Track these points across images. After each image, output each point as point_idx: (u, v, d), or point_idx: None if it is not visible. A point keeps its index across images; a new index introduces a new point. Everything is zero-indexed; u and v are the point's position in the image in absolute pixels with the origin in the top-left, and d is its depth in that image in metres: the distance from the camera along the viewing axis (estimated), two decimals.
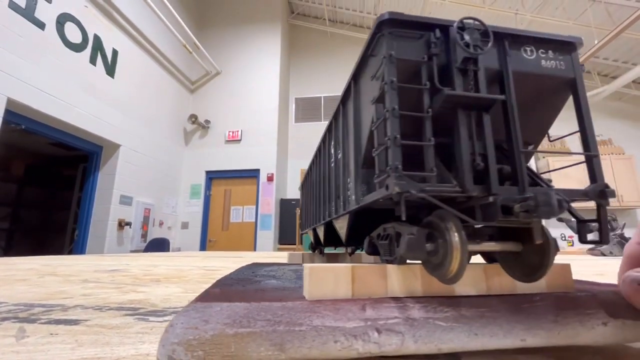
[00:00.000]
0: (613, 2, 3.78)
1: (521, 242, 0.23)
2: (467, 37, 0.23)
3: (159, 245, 4.75)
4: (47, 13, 2.76)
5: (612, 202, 4.38)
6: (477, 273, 0.24)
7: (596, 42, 3.23)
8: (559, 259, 1.49)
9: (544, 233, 0.22)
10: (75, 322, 0.32)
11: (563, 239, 4.26)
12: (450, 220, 0.21)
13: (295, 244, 4.85)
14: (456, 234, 0.20)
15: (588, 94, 4.03)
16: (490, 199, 0.21)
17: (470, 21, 0.24)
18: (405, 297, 0.22)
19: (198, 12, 5.67)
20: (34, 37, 2.64)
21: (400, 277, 0.23)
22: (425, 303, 0.21)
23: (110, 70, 3.53)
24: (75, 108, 3.04)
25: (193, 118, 5.20)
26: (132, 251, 4.78)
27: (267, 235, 5.39)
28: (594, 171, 0.24)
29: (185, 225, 5.77)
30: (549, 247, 0.22)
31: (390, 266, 0.23)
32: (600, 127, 4.98)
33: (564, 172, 4.69)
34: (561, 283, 0.25)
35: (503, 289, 0.24)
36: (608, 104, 5.13)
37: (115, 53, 3.62)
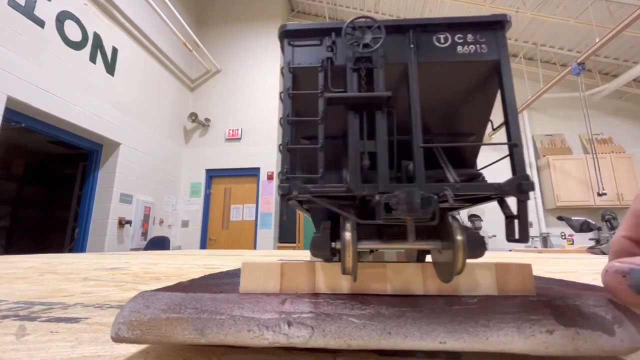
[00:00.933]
0: (614, 0, 3.77)
1: (440, 241, 0.23)
2: (358, 36, 0.23)
3: (159, 243, 4.76)
4: (46, 11, 2.75)
5: (612, 201, 4.38)
6: (414, 272, 0.23)
7: (597, 40, 3.22)
8: (558, 257, 1.49)
9: (446, 232, 0.21)
10: (75, 320, 0.32)
11: (563, 237, 4.27)
12: (346, 219, 0.21)
13: (295, 242, 4.84)
14: (347, 232, 0.21)
15: (588, 92, 4.02)
16: (377, 197, 0.21)
17: (362, 20, 0.23)
18: (330, 293, 0.23)
19: (198, 10, 5.65)
20: (33, 35, 2.63)
21: (326, 275, 0.23)
22: (346, 300, 0.21)
23: (110, 68, 3.53)
24: (75, 106, 3.04)
25: (193, 116, 5.20)
26: (132, 249, 4.78)
27: (267, 234, 5.39)
28: (514, 162, 0.22)
29: (185, 224, 5.78)
30: (455, 247, 0.20)
31: (319, 263, 0.24)
32: (601, 126, 4.97)
33: (565, 171, 4.69)
34: (517, 286, 0.22)
35: (443, 290, 0.23)
36: (609, 103, 5.12)
37: (115, 51, 3.61)
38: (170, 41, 4.66)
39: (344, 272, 0.21)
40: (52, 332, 0.28)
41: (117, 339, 0.21)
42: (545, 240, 4.46)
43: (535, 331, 0.19)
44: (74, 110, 3.01)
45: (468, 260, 0.21)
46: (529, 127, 5.28)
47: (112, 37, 3.58)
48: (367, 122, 0.23)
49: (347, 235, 0.21)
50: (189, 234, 5.65)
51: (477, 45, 0.24)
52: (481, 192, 0.22)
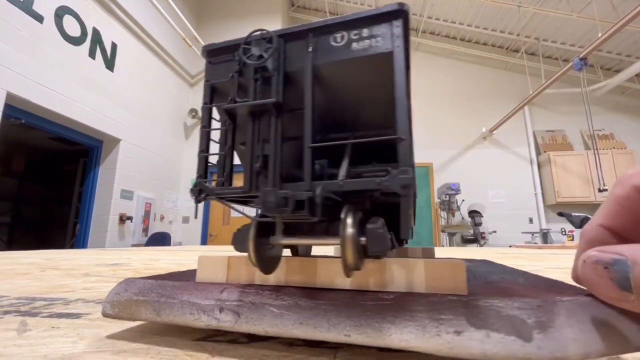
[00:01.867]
0: None
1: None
2: (253, 49, 0.24)
3: (160, 239, 4.77)
4: (45, 6, 2.73)
5: None
6: (339, 267, 0.23)
7: (600, 35, 3.19)
8: (557, 253, 1.49)
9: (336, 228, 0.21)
10: (77, 316, 0.32)
11: (563, 233, 4.27)
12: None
13: None
14: (252, 229, 0.22)
15: (590, 88, 3.99)
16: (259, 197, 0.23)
17: (258, 33, 0.25)
18: (265, 285, 0.25)
19: (197, 5, 5.61)
20: (32, 30, 2.62)
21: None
22: (273, 291, 0.23)
23: (110, 63, 3.51)
24: (75, 102, 3.03)
25: (193, 112, 5.18)
26: (133, 245, 4.80)
27: None
28: (399, 157, 0.21)
29: (186, 220, 5.80)
30: (343, 242, 0.20)
31: None
32: (602, 122, 4.95)
33: (565, 167, 4.69)
34: (447, 284, 0.21)
35: (364, 286, 0.23)
36: (610, 98, 5.10)
37: (114, 46, 3.59)
38: (169, 36, 4.64)
39: (252, 263, 0.23)
40: (53, 327, 0.28)
41: (105, 314, 0.26)
42: (545, 236, 4.46)
43: (441, 331, 0.18)
44: (73, 106, 3.01)
45: (407, 257, 0.21)
46: (530, 123, 5.26)
47: (112, 32, 3.56)
48: (259, 128, 0.24)
49: (251, 231, 0.23)
50: (190, 230, 5.67)
51: (372, 40, 0.23)
52: (364, 188, 0.21)
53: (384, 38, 0.23)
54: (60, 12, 2.87)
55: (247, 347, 0.23)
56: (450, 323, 0.18)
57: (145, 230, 5.11)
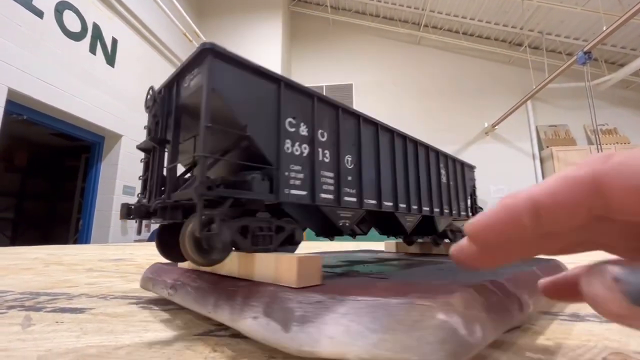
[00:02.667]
0: None
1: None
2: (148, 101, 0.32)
3: None
4: (45, 1, 2.72)
5: None
6: (235, 260, 0.28)
7: (604, 28, 3.15)
8: None
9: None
10: (80, 311, 0.32)
11: None
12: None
13: None
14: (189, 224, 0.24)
15: (594, 82, 3.92)
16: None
17: (150, 91, 0.32)
18: (201, 270, 0.31)
19: (198, 0, 5.58)
20: (32, 26, 2.61)
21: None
22: (201, 276, 0.29)
23: (110, 59, 3.50)
24: (76, 98, 3.03)
25: None
26: (136, 241, 4.82)
27: None
28: (200, 171, 0.23)
29: None
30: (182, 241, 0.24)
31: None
32: (606, 116, 4.91)
33: (568, 162, 4.66)
34: (308, 276, 0.23)
35: (248, 276, 0.26)
36: (614, 93, 5.05)
37: (114, 42, 3.58)
38: (170, 32, 4.61)
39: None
40: (57, 322, 0.28)
41: (141, 286, 0.38)
42: None
43: (246, 315, 0.21)
44: (74, 102, 3.00)
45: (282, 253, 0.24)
46: (533, 118, 5.22)
47: (112, 27, 3.54)
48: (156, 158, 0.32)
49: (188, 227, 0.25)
50: None
51: (198, 77, 0.26)
52: (184, 198, 0.25)
53: (202, 74, 0.25)
54: (60, 8, 2.85)
55: (249, 344, 0.23)
56: (255, 309, 0.21)
57: (148, 225, 5.12)
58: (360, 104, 5.24)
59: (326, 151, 0.28)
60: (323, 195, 0.28)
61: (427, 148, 0.43)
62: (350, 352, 0.16)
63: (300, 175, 0.26)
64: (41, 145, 5.32)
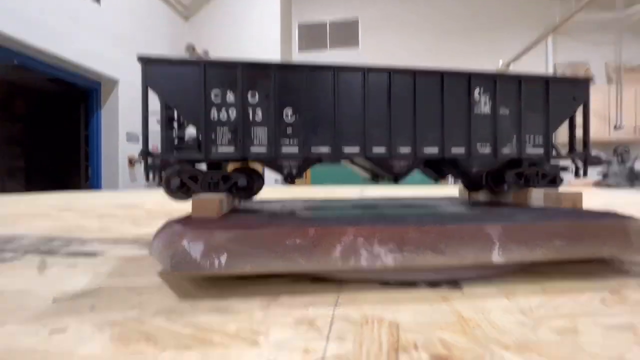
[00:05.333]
0: None
1: None
2: None
3: None
4: None
5: (628, 134, 4.24)
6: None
7: None
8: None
9: None
10: (93, 255, 0.34)
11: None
12: None
13: (302, 178, 4.95)
14: None
15: (627, 11, 3.51)
16: None
17: None
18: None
19: None
20: None
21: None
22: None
23: None
24: (65, 40, 2.87)
25: (191, 48, 4.89)
26: (145, 186, 4.96)
27: None
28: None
29: None
30: None
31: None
32: (634, 52, 4.55)
33: None
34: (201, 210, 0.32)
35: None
36: None
37: None
38: None
39: None
40: (71, 265, 0.30)
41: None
42: None
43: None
44: (65, 44, 2.85)
45: None
46: (552, 55, 4.87)
47: None
48: None
49: None
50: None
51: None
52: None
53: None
54: None
55: (258, 284, 0.24)
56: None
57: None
58: (367, 43, 4.90)
59: (257, 109, 0.30)
60: (255, 150, 0.30)
61: (442, 75, 0.35)
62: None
63: (228, 136, 0.30)
64: (39, 92, 5.20)
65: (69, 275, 0.27)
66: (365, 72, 0.33)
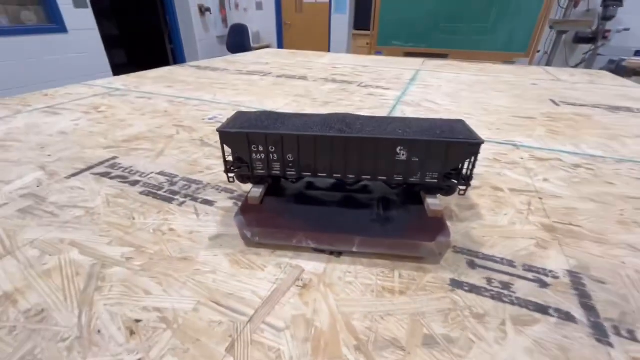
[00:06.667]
0: None
1: None
2: None
3: (239, 33, 4.93)
4: None
5: None
6: None
7: None
8: None
9: None
10: (211, 204, 0.65)
11: None
12: None
13: (369, 30, 4.52)
14: None
15: None
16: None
17: None
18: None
19: None
20: None
21: None
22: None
23: None
24: None
25: None
26: (218, 37, 5.11)
27: (342, 19, 5.07)
28: None
29: (259, 6, 5.59)
30: None
31: None
32: None
33: None
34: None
35: None
36: None
37: None
38: None
39: None
40: (207, 213, 0.61)
41: None
42: None
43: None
44: None
45: None
46: None
47: None
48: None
49: None
50: (264, 18, 5.59)
51: None
52: None
53: None
54: None
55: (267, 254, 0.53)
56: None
57: (225, 20, 5.21)
58: None
59: (274, 155, 0.52)
60: (274, 172, 0.54)
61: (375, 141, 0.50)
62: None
63: (261, 165, 0.53)
64: None
65: (209, 221, 0.59)
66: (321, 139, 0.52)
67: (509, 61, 3.33)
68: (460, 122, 0.56)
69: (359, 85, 1.59)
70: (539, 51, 3.68)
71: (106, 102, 1.28)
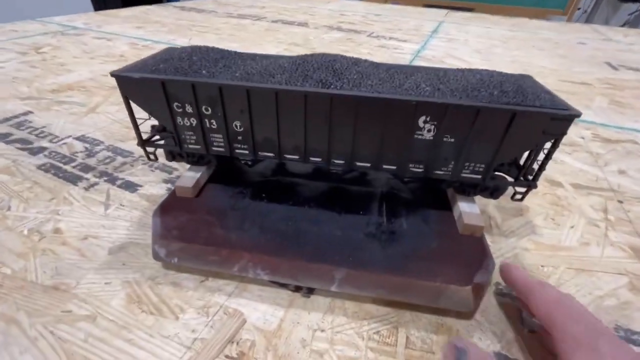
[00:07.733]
0: None
1: None
2: None
3: None
4: None
5: None
6: None
7: None
8: None
9: None
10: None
11: None
12: None
13: None
14: None
15: None
16: None
17: None
18: None
19: None
20: None
21: None
22: None
23: None
24: None
25: None
26: None
27: None
28: None
29: None
30: None
31: None
32: None
33: None
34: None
35: None
36: None
37: None
38: None
39: None
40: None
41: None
42: None
43: None
44: None
45: None
46: None
47: None
48: None
49: None
50: None
51: None
52: None
53: None
54: None
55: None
56: None
57: None
58: None
59: (212, 120, 0.32)
60: (215, 149, 0.34)
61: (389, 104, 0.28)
62: None
63: (194, 137, 0.34)
64: None
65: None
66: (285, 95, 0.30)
67: (542, 19, 2.91)
68: (529, 79, 0.34)
69: (369, 36, 1.31)
70: (579, 9, 3.22)
71: (54, 41, 1.03)
